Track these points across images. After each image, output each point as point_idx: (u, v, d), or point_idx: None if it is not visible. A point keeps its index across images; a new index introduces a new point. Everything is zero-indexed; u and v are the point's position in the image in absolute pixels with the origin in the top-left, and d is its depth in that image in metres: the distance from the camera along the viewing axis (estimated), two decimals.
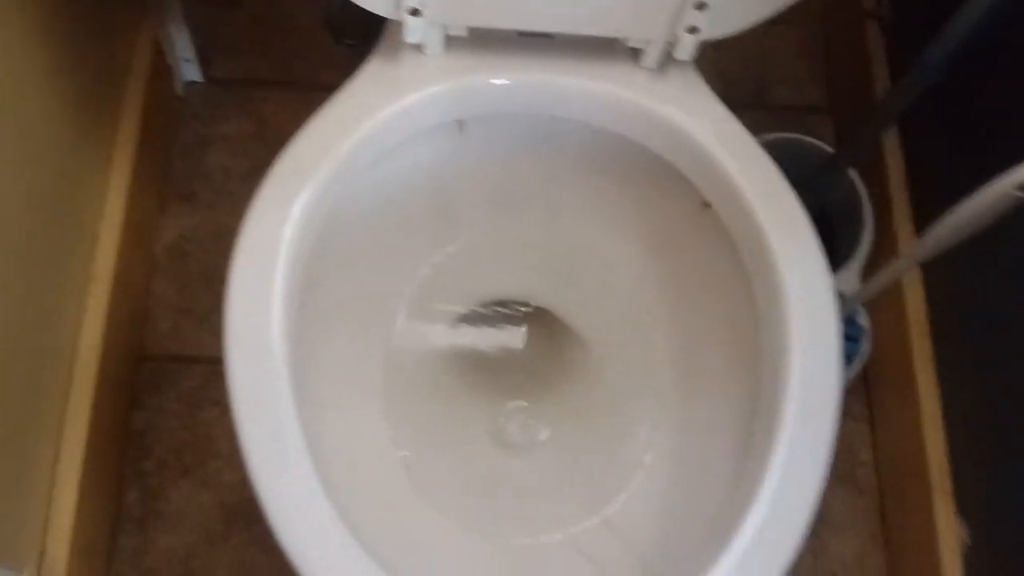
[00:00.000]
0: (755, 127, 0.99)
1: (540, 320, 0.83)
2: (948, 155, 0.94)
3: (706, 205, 0.70)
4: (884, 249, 0.99)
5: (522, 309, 0.83)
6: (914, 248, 0.75)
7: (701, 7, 0.62)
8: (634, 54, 0.69)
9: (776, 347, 0.63)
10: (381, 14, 0.66)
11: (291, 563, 0.53)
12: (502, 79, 0.70)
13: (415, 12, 0.64)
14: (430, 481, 0.70)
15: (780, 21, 1.17)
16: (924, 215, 0.91)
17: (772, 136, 0.95)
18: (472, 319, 0.81)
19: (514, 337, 0.82)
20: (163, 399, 1.00)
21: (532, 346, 0.82)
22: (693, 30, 0.64)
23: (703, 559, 0.56)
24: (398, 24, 0.66)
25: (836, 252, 1.02)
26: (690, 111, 0.68)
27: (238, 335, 0.59)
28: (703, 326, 0.76)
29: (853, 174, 0.97)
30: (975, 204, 0.66)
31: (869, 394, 1.05)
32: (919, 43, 0.74)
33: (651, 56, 0.67)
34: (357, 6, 0.65)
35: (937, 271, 0.97)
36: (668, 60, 0.68)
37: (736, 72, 1.17)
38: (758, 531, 0.56)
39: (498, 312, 0.82)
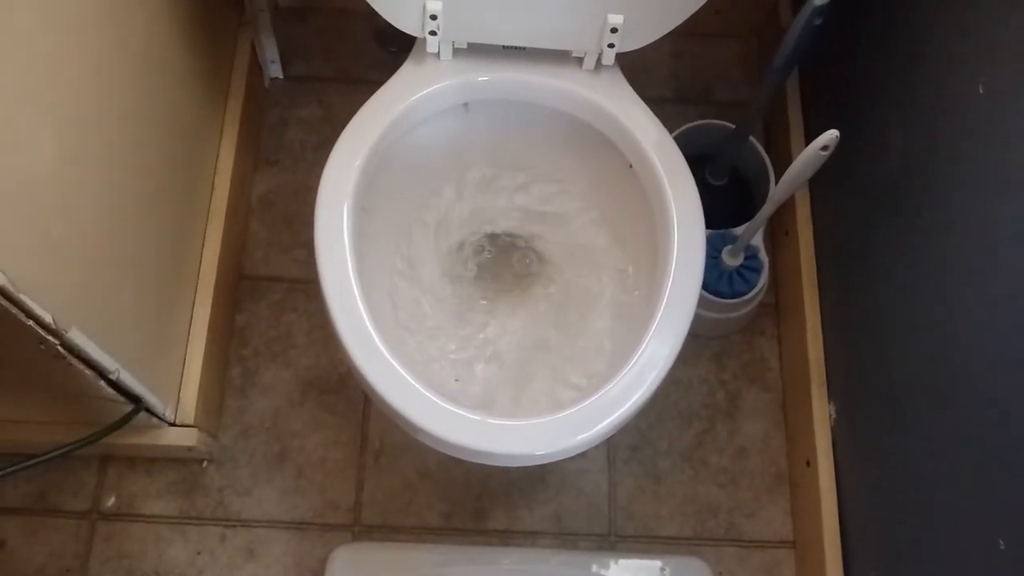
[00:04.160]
0: (699, 116, 1.24)
1: (516, 246, 1.05)
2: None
3: (629, 166, 0.94)
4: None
5: (505, 238, 1.03)
6: (772, 196, 1.02)
7: (614, 31, 0.89)
8: (578, 61, 0.94)
9: (666, 251, 0.88)
10: (412, 34, 0.92)
11: (343, 347, 0.81)
12: (492, 76, 0.94)
13: (433, 32, 0.90)
14: (408, 320, 0.98)
15: (724, 36, 1.43)
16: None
17: (697, 123, 1.18)
18: (468, 240, 1.03)
19: (496, 257, 1.04)
20: (257, 306, 1.23)
21: (510, 264, 1.04)
22: (611, 45, 0.91)
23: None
24: (423, 40, 0.92)
25: (754, 205, 1.22)
26: (614, 99, 0.93)
27: (323, 235, 0.85)
28: (628, 240, 1.00)
29: (758, 145, 1.18)
30: (799, 162, 0.91)
31: (778, 317, 1.25)
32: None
33: (589, 62, 0.93)
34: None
35: (821, 223, 1.17)
36: (600, 65, 0.94)
37: (688, 75, 1.37)
38: (653, 348, 0.83)
39: (488, 236, 1.03)
